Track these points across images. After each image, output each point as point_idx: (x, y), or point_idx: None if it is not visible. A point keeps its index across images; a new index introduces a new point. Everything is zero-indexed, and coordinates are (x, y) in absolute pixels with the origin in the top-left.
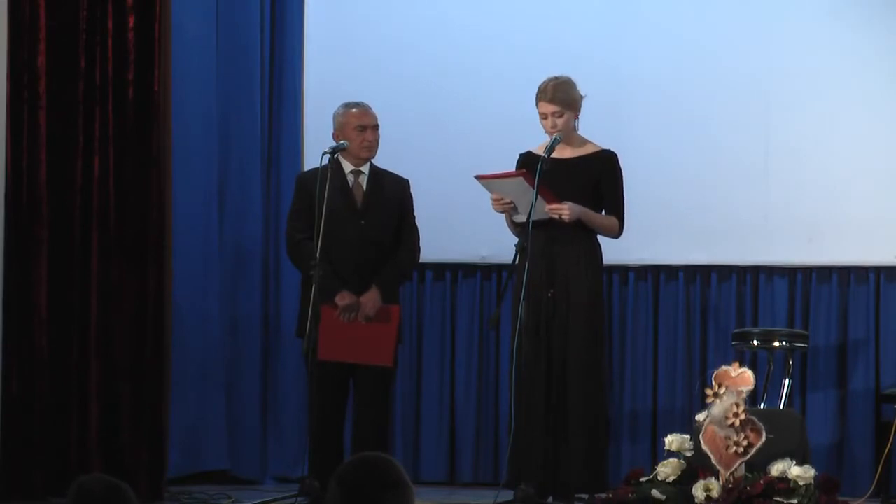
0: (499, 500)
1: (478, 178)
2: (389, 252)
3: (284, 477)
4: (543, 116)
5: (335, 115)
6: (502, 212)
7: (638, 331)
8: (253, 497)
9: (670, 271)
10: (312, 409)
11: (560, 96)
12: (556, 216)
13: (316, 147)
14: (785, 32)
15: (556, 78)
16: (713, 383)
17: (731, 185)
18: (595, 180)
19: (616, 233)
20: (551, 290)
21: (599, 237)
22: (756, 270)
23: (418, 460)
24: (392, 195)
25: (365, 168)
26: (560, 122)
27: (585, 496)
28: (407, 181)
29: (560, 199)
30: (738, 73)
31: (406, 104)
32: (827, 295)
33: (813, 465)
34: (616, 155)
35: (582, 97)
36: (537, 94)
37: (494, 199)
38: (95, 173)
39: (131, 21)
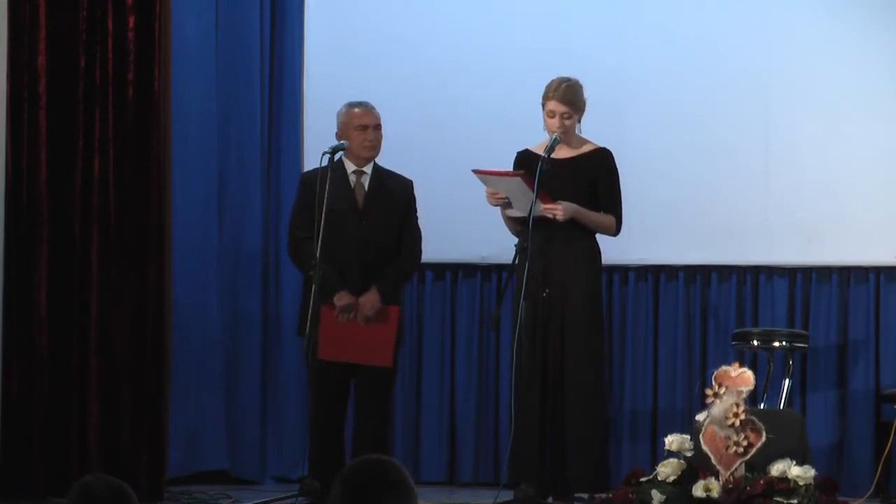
0: (499, 500)
1: (475, 172)
2: (392, 253)
3: (284, 477)
4: (551, 115)
5: (338, 115)
6: (495, 205)
7: (638, 331)
8: (253, 497)
9: (670, 271)
10: (312, 409)
11: (571, 98)
12: (551, 216)
13: (316, 147)
14: (785, 32)
15: (568, 79)
16: (713, 383)
17: (731, 185)
18: (591, 179)
19: (613, 231)
20: (546, 290)
21: (599, 237)
22: (756, 270)
23: (418, 460)
24: (395, 196)
25: (367, 168)
26: (568, 123)
27: (585, 496)
28: (410, 182)
29: (555, 199)
30: (738, 73)
31: (406, 104)
32: (827, 295)
33: (813, 465)
34: (611, 152)
35: (586, 101)
36: (547, 92)
37: (490, 193)
38: (95, 173)
39: (131, 21)
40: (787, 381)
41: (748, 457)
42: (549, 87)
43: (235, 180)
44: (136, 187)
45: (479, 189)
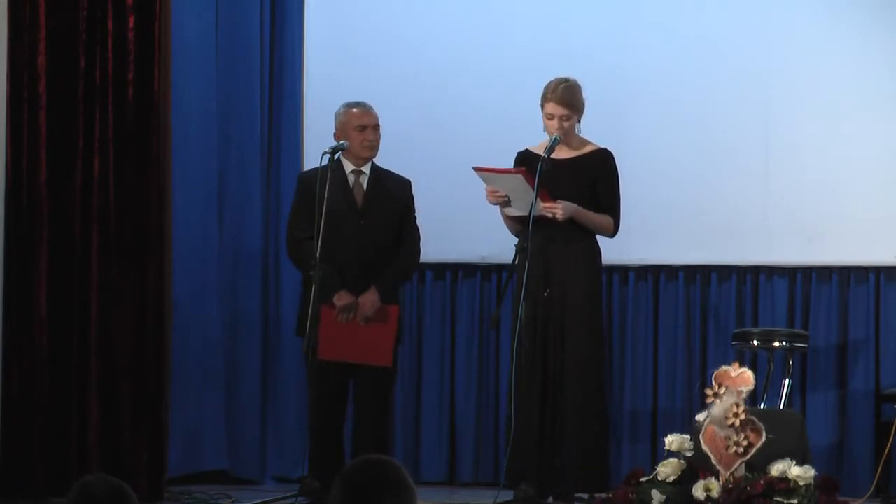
0: (499, 500)
1: (476, 169)
2: (391, 253)
3: (284, 477)
4: (550, 117)
5: (336, 115)
6: (495, 203)
7: (638, 331)
8: (253, 497)
9: (670, 271)
10: (312, 409)
11: (570, 99)
12: (550, 215)
13: (316, 147)
14: (785, 32)
15: (566, 80)
16: (713, 383)
17: (731, 185)
18: (591, 179)
19: (611, 231)
20: (547, 290)
21: (599, 237)
22: (756, 270)
23: (418, 460)
24: (393, 196)
25: (366, 168)
26: (567, 124)
27: (585, 496)
28: (408, 182)
29: (555, 199)
30: (738, 72)
31: (406, 104)
32: (827, 295)
33: (813, 465)
34: (611, 153)
35: (585, 101)
36: (545, 94)
37: (490, 191)
38: (95, 173)
39: (131, 21)
40: (787, 381)
41: (748, 457)
42: (547, 89)
43: (235, 180)
44: (136, 187)
45: (479, 189)
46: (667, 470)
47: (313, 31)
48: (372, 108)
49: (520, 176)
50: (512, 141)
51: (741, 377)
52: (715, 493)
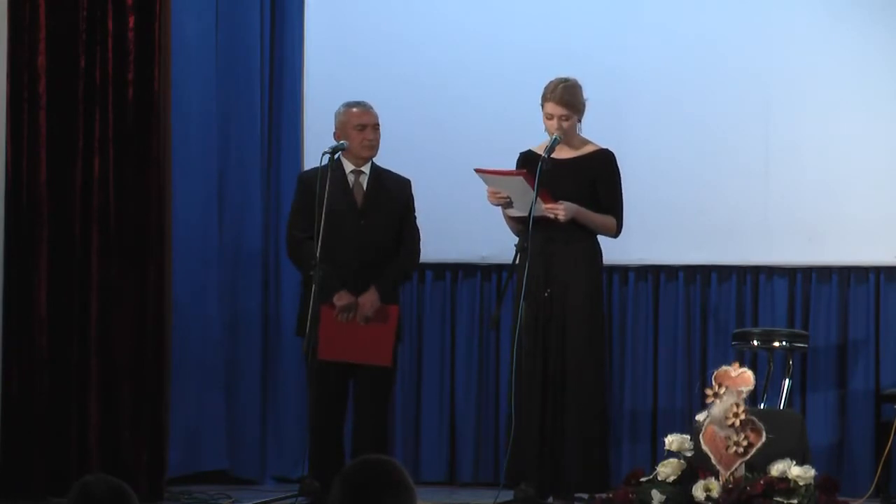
0: (499, 500)
1: (477, 171)
2: (391, 252)
3: (284, 477)
4: (549, 117)
5: (336, 115)
6: (497, 205)
7: (638, 331)
8: (253, 497)
9: (670, 271)
10: (312, 409)
11: (569, 99)
12: (552, 216)
13: (316, 147)
14: (785, 33)
15: (566, 80)
16: (713, 383)
17: (731, 185)
18: (591, 179)
19: (613, 232)
20: (547, 290)
21: (599, 237)
22: (756, 270)
23: (418, 460)
24: (393, 195)
25: (366, 168)
26: (566, 125)
27: (585, 496)
28: (408, 181)
29: (556, 200)
30: (738, 72)
31: (406, 104)
32: (827, 295)
33: (813, 465)
34: (613, 154)
35: (586, 101)
36: (545, 94)
37: (491, 193)
38: (95, 173)
39: (131, 21)
40: (787, 381)
41: (748, 457)
42: (546, 89)
43: (235, 180)
44: (136, 187)
45: (479, 189)
46: (667, 470)
47: (313, 31)
48: (372, 108)
49: (521, 178)
50: (512, 141)
51: (741, 377)
52: (715, 493)
